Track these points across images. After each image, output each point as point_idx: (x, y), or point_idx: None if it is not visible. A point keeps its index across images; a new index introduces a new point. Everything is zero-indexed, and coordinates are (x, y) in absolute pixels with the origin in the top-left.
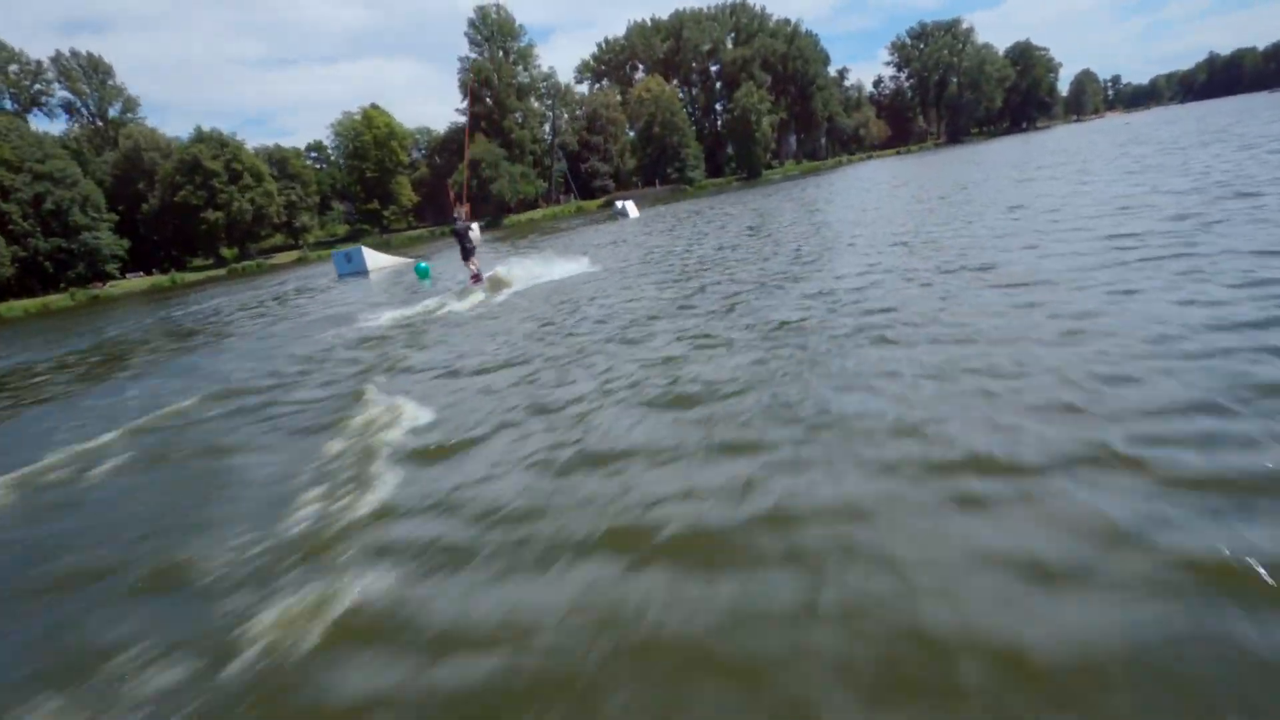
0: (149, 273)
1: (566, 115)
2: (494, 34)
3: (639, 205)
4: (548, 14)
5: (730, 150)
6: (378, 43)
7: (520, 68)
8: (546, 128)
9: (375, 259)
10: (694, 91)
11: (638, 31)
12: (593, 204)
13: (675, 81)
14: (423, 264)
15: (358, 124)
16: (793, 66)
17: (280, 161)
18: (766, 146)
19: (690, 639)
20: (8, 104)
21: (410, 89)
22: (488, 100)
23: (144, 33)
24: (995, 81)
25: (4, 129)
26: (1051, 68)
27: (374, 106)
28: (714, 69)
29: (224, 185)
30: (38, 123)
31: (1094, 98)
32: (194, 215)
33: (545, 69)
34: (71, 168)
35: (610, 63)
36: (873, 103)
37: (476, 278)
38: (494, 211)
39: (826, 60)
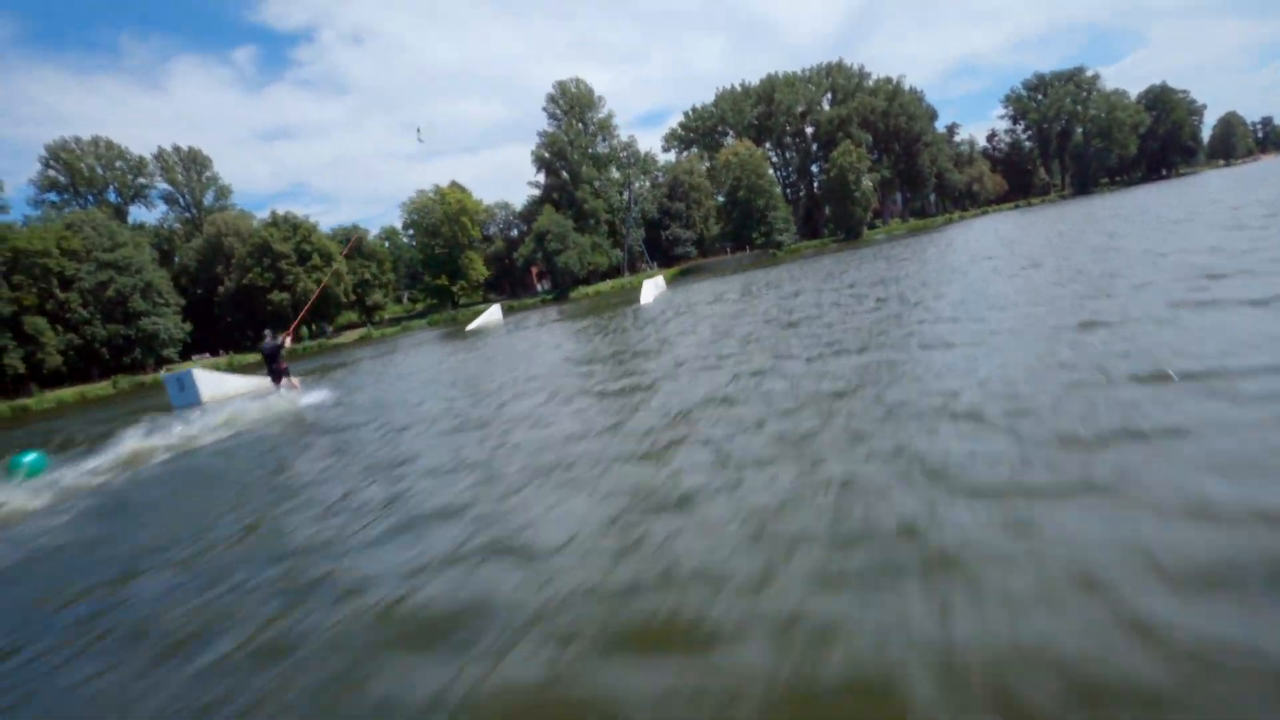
0: (215, 354)
1: (648, 183)
2: (573, 106)
3: (720, 271)
4: (661, 99)
5: (828, 211)
6: (515, 129)
7: (600, 138)
8: (625, 196)
9: (213, 385)
10: (787, 154)
11: (727, 98)
12: (669, 271)
13: (767, 145)
14: (30, 455)
15: (429, 201)
16: (895, 124)
17: (356, 241)
18: (867, 206)
19: None
20: (112, 197)
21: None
22: (563, 173)
23: (326, 137)
24: (1128, 128)
25: (78, 222)
26: (1194, 110)
27: (453, 185)
28: (809, 130)
29: (291, 266)
30: (136, 214)
31: (1243, 140)
32: (261, 296)
33: (625, 138)
34: (138, 255)
35: (698, 129)
36: (986, 157)
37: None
38: (563, 283)
39: (933, 116)
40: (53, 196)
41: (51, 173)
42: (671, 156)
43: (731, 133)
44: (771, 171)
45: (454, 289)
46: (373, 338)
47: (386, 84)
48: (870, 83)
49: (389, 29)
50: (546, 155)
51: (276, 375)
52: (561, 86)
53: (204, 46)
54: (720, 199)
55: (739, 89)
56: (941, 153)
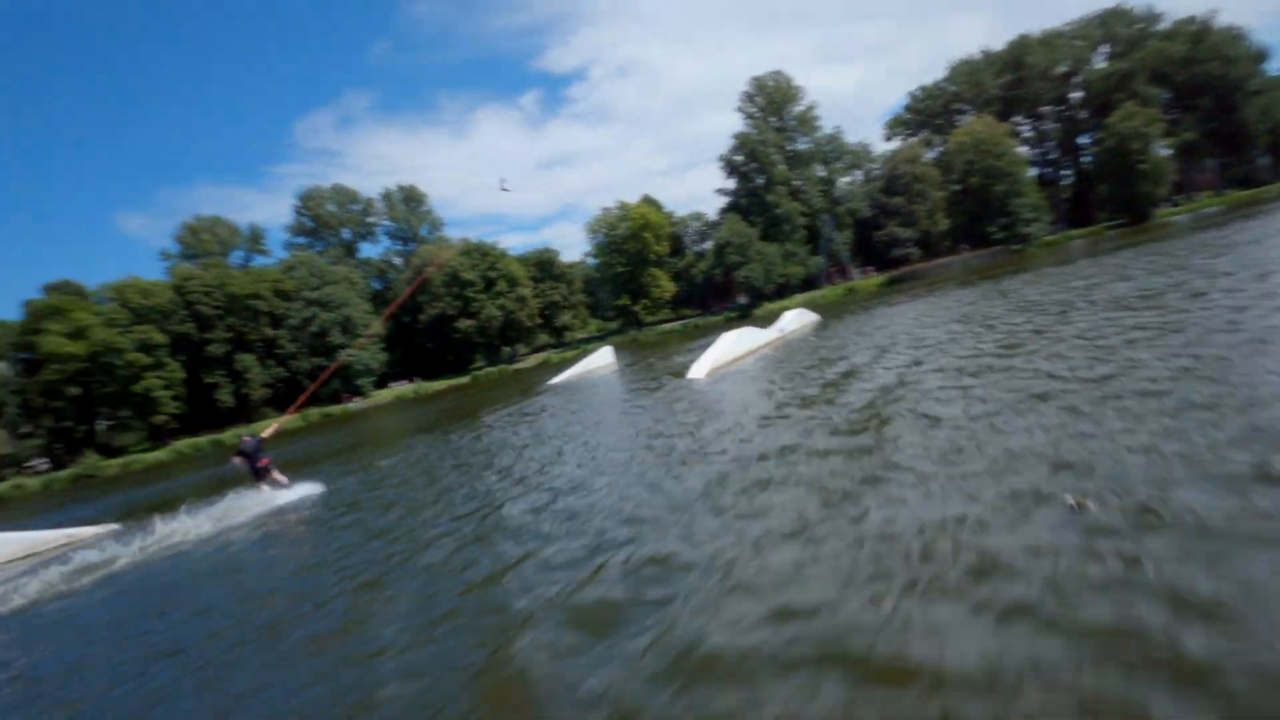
0: (410, 380)
1: (860, 176)
2: (770, 102)
3: (939, 278)
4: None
5: (1104, 191)
6: None
7: (800, 135)
8: (828, 195)
9: None
10: (1044, 128)
11: (962, 71)
12: (872, 281)
13: (1017, 119)
14: None
15: (613, 219)
16: (1203, 72)
17: (545, 263)
18: (1160, 179)
19: None
20: (346, 235)
21: None
22: (755, 176)
23: (594, 162)
24: None
25: (295, 262)
26: None
27: (644, 199)
28: (1076, 96)
29: (477, 294)
30: (365, 250)
31: None
32: (450, 324)
33: (829, 130)
34: (341, 292)
35: (926, 111)
36: None
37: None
38: (747, 298)
39: (1260, 57)
40: (301, 239)
41: (301, 218)
42: (896, 145)
43: (970, 109)
44: (1021, 149)
45: (636, 308)
46: (552, 362)
47: (648, 108)
48: (1163, 26)
49: (650, 59)
50: (737, 159)
51: (260, 474)
52: (758, 83)
53: (499, 96)
54: (953, 188)
55: (978, 58)
56: (1276, 102)
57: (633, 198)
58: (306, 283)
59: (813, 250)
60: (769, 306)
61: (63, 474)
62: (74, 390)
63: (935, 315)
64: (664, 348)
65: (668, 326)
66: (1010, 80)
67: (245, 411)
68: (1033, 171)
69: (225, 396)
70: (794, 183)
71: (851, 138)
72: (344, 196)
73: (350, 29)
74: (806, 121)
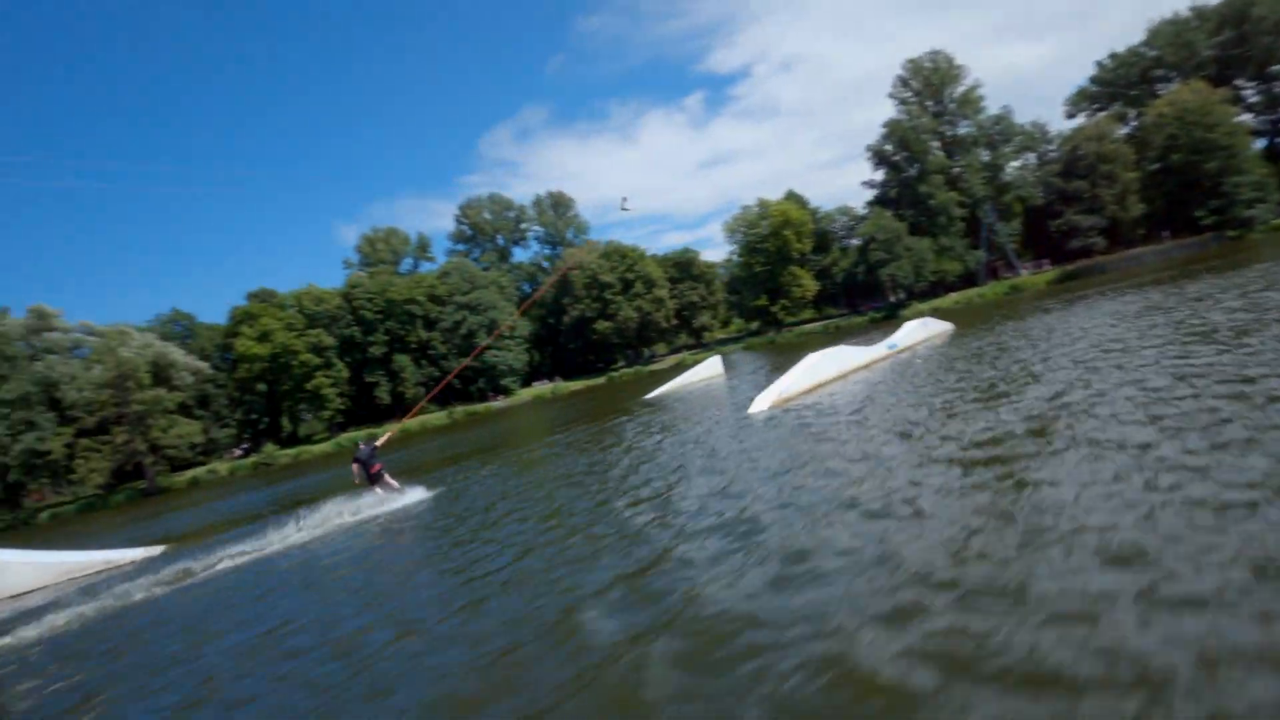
0: (551, 379)
1: (1034, 160)
2: (927, 84)
3: (1128, 275)
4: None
5: None
6: None
7: (961, 118)
8: (994, 182)
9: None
10: (1276, 91)
11: (1165, 32)
12: (1042, 277)
13: (1239, 83)
14: None
15: (752, 218)
16: None
17: (685, 264)
18: None
19: None
20: (500, 241)
21: None
22: (907, 166)
23: (757, 158)
24: None
25: (450, 268)
26: None
27: (788, 195)
28: None
29: (614, 295)
30: (517, 255)
31: None
32: (589, 326)
33: (996, 111)
34: (489, 296)
35: (1118, 82)
36: None
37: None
38: (901, 295)
39: None
40: (460, 246)
41: (461, 226)
42: (1079, 123)
43: (1175, 76)
44: (1244, 118)
45: (774, 309)
46: (687, 364)
47: (812, 101)
48: None
49: (815, 51)
50: (887, 148)
51: (373, 479)
52: (913, 65)
53: (665, 100)
54: (1150, 167)
55: (1186, 15)
56: None
57: (796, 191)
58: (458, 287)
59: (973, 244)
60: (918, 306)
61: (246, 461)
62: (260, 387)
63: (1124, 323)
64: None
65: (809, 327)
66: (1230, 38)
67: (401, 407)
68: (1259, 143)
69: (383, 394)
70: (953, 170)
71: (1029, 119)
72: (499, 204)
73: (529, 48)
74: (969, 103)
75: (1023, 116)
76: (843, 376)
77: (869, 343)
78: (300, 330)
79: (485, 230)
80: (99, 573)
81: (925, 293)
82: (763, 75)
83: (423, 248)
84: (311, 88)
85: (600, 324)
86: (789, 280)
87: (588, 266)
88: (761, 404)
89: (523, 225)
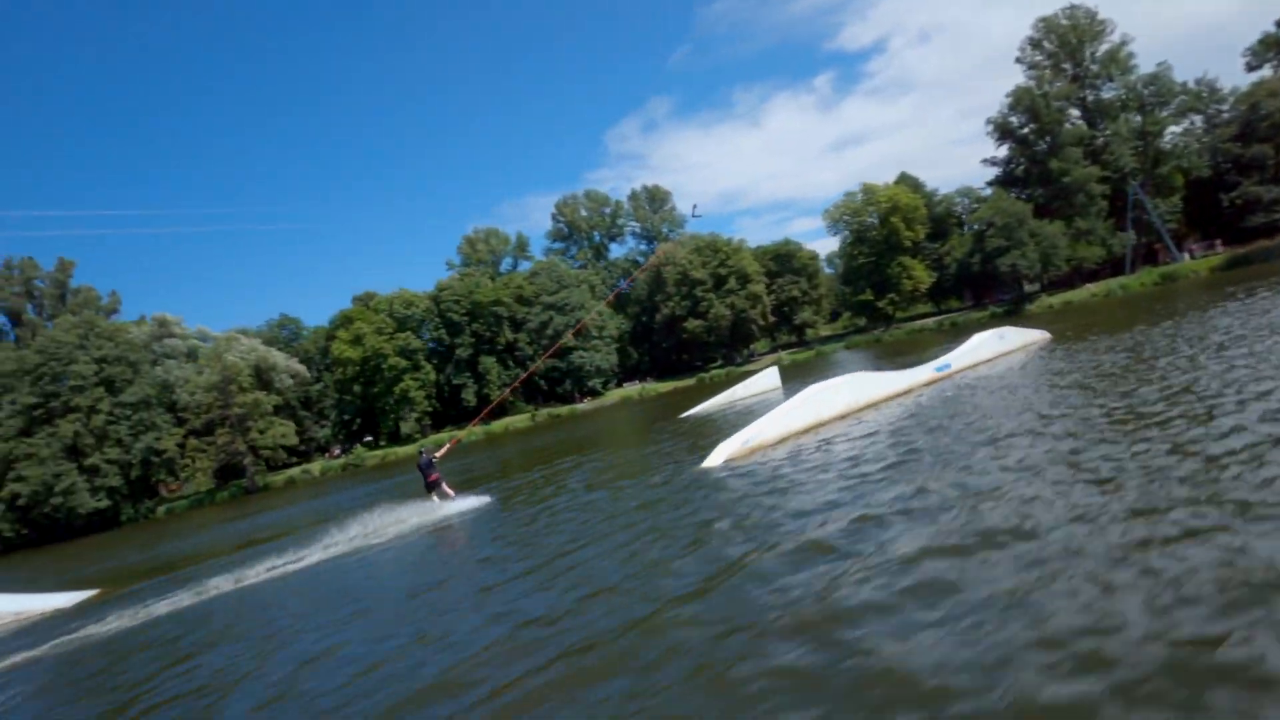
0: (644, 380)
1: (1200, 124)
2: (1063, 44)
3: None
4: None
5: None
6: None
7: (1105, 80)
8: (1146, 152)
9: None
10: None
11: None
12: (1205, 263)
13: None
14: None
15: (855, 205)
16: None
17: (784, 256)
18: None
19: None
20: (596, 237)
21: None
22: (1037, 141)
23: (889, 137)
24: None
25: (539, 268)
26: None
27: (901, 178)
28: None
29: (705, 293)
30: (614, 251)
31: None
32: (679, 325)
33: (1149, 70)
34: (576, 294)
35: None
36: None
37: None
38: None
39: None
40: (557, 244)
41: (557, 224)
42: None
43: None
44: None
45: (881, 304)
46: (783, 364)
47: (952, 73)
48: None
49: (956, 19)
50: (1012, 120)
51: (430, 486)
52: (1046, 23)
53: (791, 83)
54: None
55: None
56: None
57: (929, 170)
58: (545, 288)
59: (1118, 225)
60: (1046, 300)
61: (336, 462)
62: (356, 389)
63: None
64: (905, 352)
65: (921, 324)
66: None
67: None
68: None
69: (469, 396)
70: (1095, 141)
71: (1193, 77)
72: (595, 201)
73: (654, 40)
74: (1116, 62)
75: (1198, 74)
76: (855, 412)
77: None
78: (390, 334)
79: (581, 227)
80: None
81: (1060, 282)
82: (898, 49)
83: (521, 247)
84: (444, 92)
85: (691, 322)
86: (898, 272)
87: (678, 262)
88: (719, 455)
89: (619, 221)
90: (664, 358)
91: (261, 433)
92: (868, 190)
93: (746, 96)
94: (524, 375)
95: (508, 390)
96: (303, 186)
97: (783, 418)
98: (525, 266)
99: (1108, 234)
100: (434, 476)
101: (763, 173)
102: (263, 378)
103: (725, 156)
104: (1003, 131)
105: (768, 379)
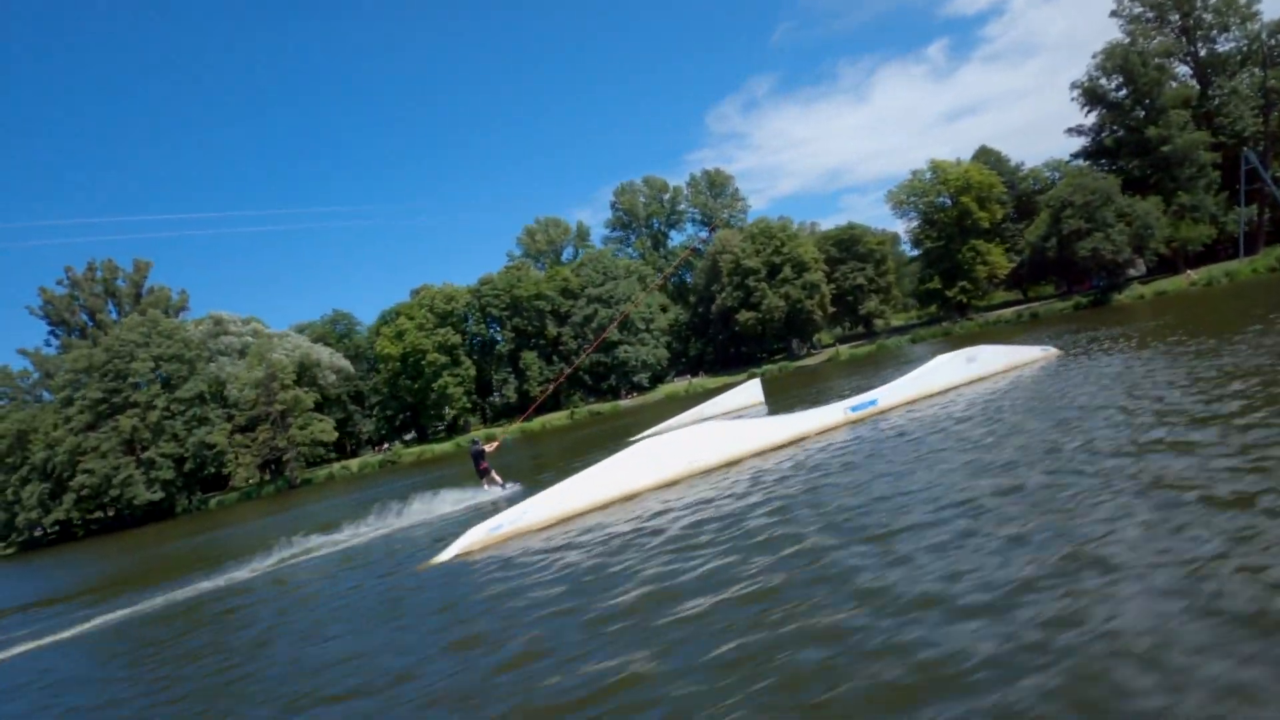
0: (695, 375)
1: None
2: None
3: None
4: None
5: None
6: None
7: (1219, 31)
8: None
9: None
10: None
11: None
12: None
13: None
14: None
15: (921, 185)
16: None
17: (848, 242)
18: None
19: None
20: (656, 224)
21: None
22: (1133, 106)
23: (1009, 105)
24: None
25: (587, 259)
26: None
27: (981, 151)
28: None
29: (758, 282)
30: (675, 239)
31: None
32: (732, 316)
33: (1278, 15)
34: (624, 286)
35: None
36: None
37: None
38: (1102, 277)
39: None
40: (616, 232)
41: (617, 212)
42: None
43: None
44: None
45: (950, 292)
46: (840, 359)
47: (1083, 32)
48: None
49: None
50: (1102, 84)
51: (481, 474)
52: None
53: (901, 53)
54: None
55: None
56: None
57: (1048, 141)
58: (591, 280)
59: (1234, 200)
60: (1140, 289)
61: (374, 459)
62: (400, 384)
63: None
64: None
65: (999, 314)
66: None
67: (526, 405)
68: None
69: (510, 392)
70: (1211, 102)
71: None
72: (654, 187)
73: (755, 17)
74: (1235, 9)
75: None
76: (695, 475)
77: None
78: (429, 330)
79: (639, 215)
80: None
81: (1167, 266)
82: (1020, 9)
83: (581, 236)
84: (543, 76)
85: (743, 314)
86: (970, 257)
87: (732, 249)
88: (453, 549)
89: (679, 208)
90: (721, 351)
91: (301, 429)
92: (936, 168)
93: (852, 70)
94: (565, 372)
95: (550, 386)
96: (392, 180)
97: (574, 490)
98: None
99: (1219, 210)
100: (484, 465)
101: (870, 149)
102: (307, 374)
103: (830, 133)
104: (1091, 96)
105: (748, 393)
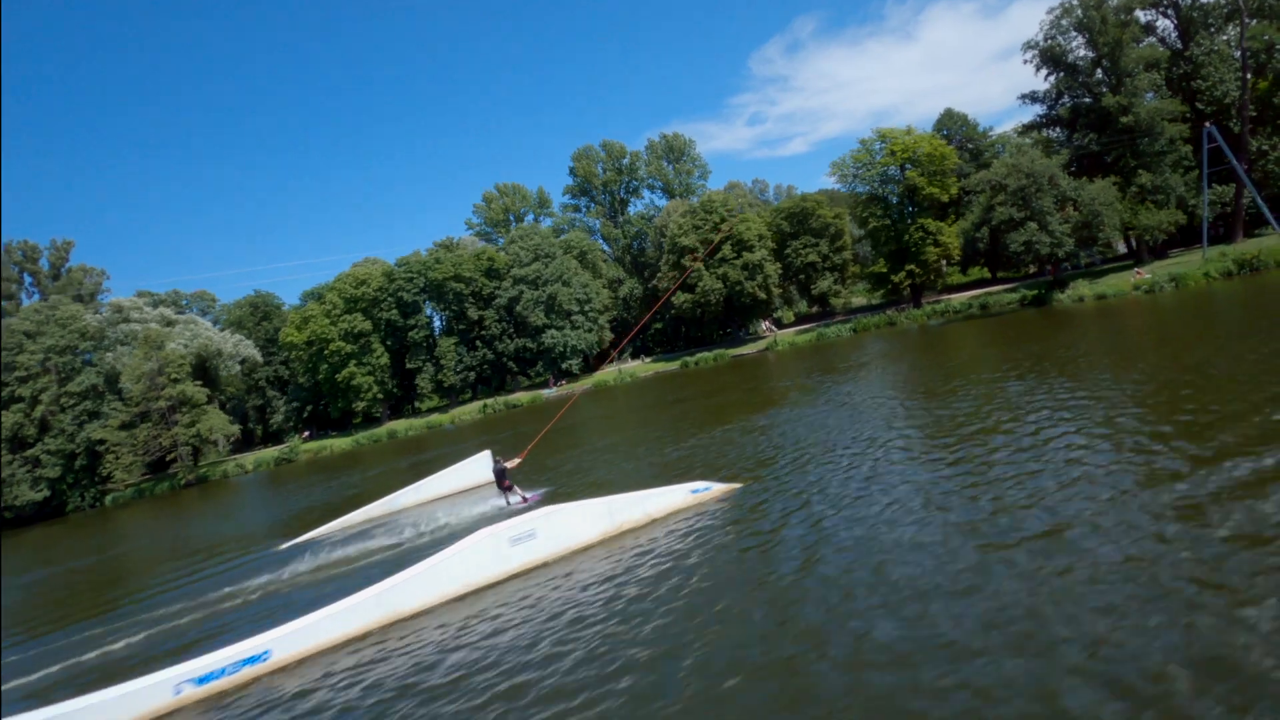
0: (637, 359)
1: None
2: None
3: None
4: None
5: None
6: None
7: None
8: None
9: None
10: None
11: None
12: None
13: None
14: None
15: (866, 156)
16: None
17: (799, 215)
18: None
19: None
20: (620, 193)
21: None
22: (1090, 70)
23: None
24: None
25: (517, 235)
26: None
27: (945, 118)
28: None
29: (692, 261)
30: (634, 207)
31: None
32: (666, 298)
33: None
34: (558, 266)
35: None
36: None
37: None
38: (1066, 267)
39: None
40: (574, 200)
41: (577, 179)
42: None
43: None
44: None
45: (896, 277)
46: (776, 350)
47: None
48: None
49: None
50: (1057, 42)
51: (504, 490)
52: None
53: None
54: None
55: None
56: None
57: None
58: (519, 259)
59: (1195, 185)
60: (1084, 289)
61: (269, 454)
62: (302, 376)
63: None
64: (933, 343)
65: (946, 301)
66: None
67: (447, 396)
68: None
69: (424, 382)
70: (1193, 62)
71: None
72: (613, 153)
73: None
74: None
75: None
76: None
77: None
78: (337, 316)
79: (596, 182)
80: None
81: (1136, 256)
82: None
83: (542, 203)
84: (581, 17)
85: (679, 297)
86: (919, 237)
87: (670, 226)
88: None
89: (639, 174)
90: (673, 332)
91: (189, 426)
92: (885, 137)
93: (899, 9)
94: (634, 329)
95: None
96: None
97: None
98: (548, 225)
99: (1189, 194)
100: (507, 483)
101: (919, 88)
102: (207, 365)
103: (877, 74)
104: (1048, 58)
105: (471, 470)
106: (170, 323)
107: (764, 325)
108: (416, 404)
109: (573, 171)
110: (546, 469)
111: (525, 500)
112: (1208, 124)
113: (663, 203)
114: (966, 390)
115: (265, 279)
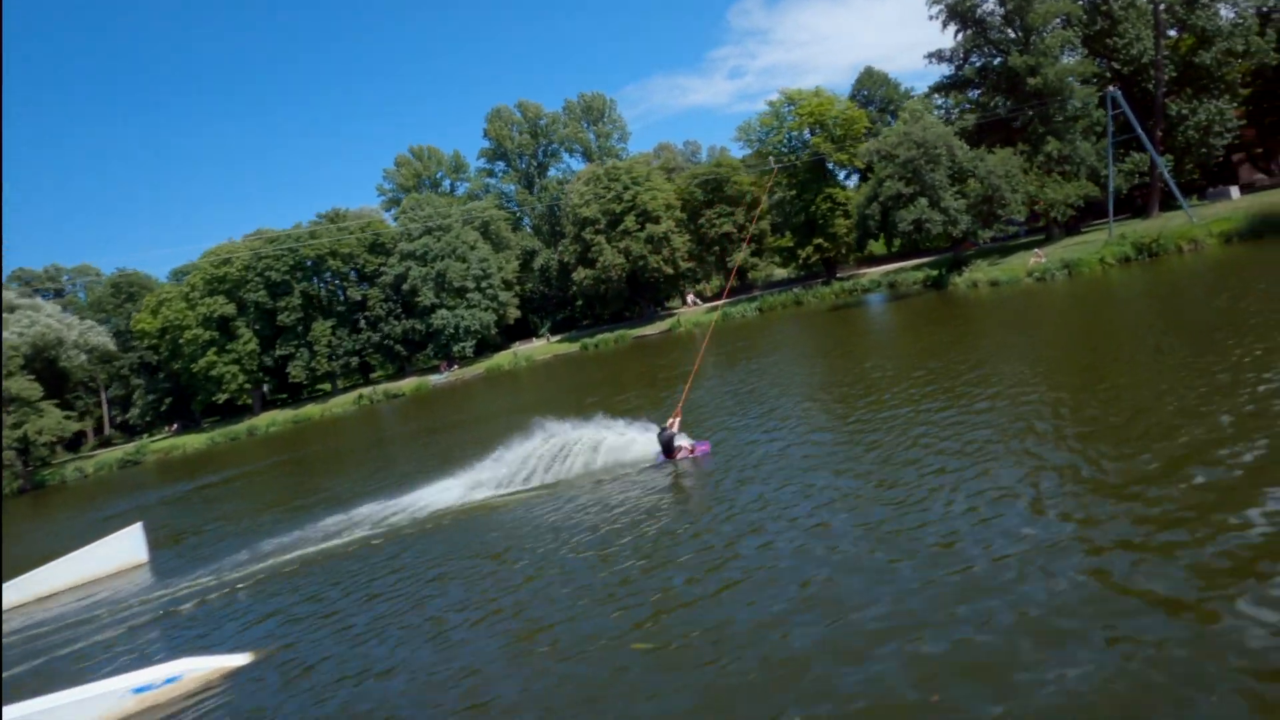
0: (540, 338)
1: None
2: None
3: None
4: None
5: None
6: None
7: None
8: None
9: None
10: None
11: None
12: (1218, 222)
13: None
14: None
15: (771, 120)
16: None
17: (714, 182)
18: None
19: None
20: (540, 156)
21: None
22: (1000, 28)
23: None
24: None
25: (407, 205)
26: None
27: (865, 77)
28: None
29: (595, 235)
30: (554, 172)
31: None
32: (568, 274)
33: None
34: (451, 239)
35: None
36: None
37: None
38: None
39: None
40: (488, 164)
41: (491, 142)
42: None
43: None
44: None
45: (803, 251)
46: (680, 331)
47: None
48: None
49: None
50: None
51: (671, 453)
52: None
53: None
54: None
55: None
56: None
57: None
58: (407, 233)
59: (1132, 149)
60: (979, 272)
61: (113, 456)
62: (157, 365)
63: None
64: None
65: (865, 275)
66: None
67: (324, 382)
68: None
69: (297, 369)
70: (1102, 21)
71: None
72: (529, 113)
73: None
74: None
75: None
76: None
77: None
78: (196, 300)
79: (510, 145)
80: None
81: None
82: None
83: (457, 168)
84: None
85: (579, 272)
86: (826, 209)
87: (576, 200)
88: None
89: (554, 136)
90: (589, 309)
91: (15, 427)
92: (792, 99)
93: None
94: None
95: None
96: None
97: None
98: (464, 190)
99: (1101, 164)
100: (676, 445)
101: (906, 40)
102: (48, 355)
103: (862, 26)
104: (954, 14)
105: (119, 548)
106: (12, 308)
107: (689, 298)
108: (299, 394)
109: (486, 134)
110: None
111: (693, 453)
112: (1111, 87)
113: (579, 167)
114: (777, 429)
115: (186, 257)
